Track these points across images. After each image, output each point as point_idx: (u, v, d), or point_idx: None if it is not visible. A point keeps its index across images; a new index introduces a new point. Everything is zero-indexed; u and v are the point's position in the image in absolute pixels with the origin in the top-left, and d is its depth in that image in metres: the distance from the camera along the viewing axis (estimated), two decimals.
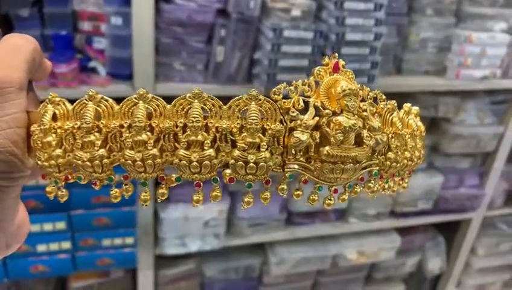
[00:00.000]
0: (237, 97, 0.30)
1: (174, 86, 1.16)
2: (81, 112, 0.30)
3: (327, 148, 0.31)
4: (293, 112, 0.30)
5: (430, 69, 1.43)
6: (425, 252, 1.80)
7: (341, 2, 1.12)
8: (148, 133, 0.29)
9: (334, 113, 0.31)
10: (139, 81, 1.11)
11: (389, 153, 0.35)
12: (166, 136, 0.30)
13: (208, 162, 0.30)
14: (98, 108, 0.30)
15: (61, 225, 1.22)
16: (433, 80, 1.42)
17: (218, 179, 0.31)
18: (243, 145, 0.30)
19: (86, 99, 0.30)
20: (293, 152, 0.31)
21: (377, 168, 0.34)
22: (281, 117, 0.30)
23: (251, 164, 0.30)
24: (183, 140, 0.29)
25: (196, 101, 0.30)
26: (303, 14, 1.14)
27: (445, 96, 1.46)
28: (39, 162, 0.30)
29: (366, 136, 0.32)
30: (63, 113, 0.30)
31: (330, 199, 0.34)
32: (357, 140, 0.32)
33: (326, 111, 0.31)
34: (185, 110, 0.30)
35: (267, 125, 0.30)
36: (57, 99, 0.30)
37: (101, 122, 0.30)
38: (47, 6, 1.10)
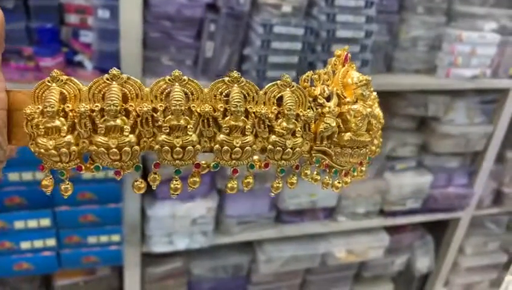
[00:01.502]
0: (271, 84, 0.30)
1: None
2: (102, 93, 0.28)
3: (349, 134, 0.33)
4: (320, 100, 0.32)
5: (421, 68, 1.43)
6: (414, 251, 1.80)
7: None
8: (187, 117, 0.28)
9: (352, 102, 0.33)
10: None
11: (375, 139, 0.37)
12: (206, 121, 0.29)
13: (249, 147, 0.30)
14: (124, 89, 0.28)
15: (45, 222, 1.20)
16: (423, 78, 1.42)
17: (255, 165, 0.31)
18: (281, 130, 0.30)
19: (108, 79, 0.28)
20: (321, 138, 0.32)
21: (370, 153, 0.36)
22: (309, 104, 0.31)
23: (288, 149, 0.30)
24: (225, 125, 0.29)
25: (236, 85, 0.30)
26: (293, 10, 1.12)
27: (435, 95, 1.46)
28: (42, 151, 0.27)
29: (375, 123, 0.34)
30: (73, 94, 0.28)
31: (339, 182, 0.35)
32: (366, 127, 0.34)
33: (347, 100, 0.33)
34: (223, 94, 0.30)
35: (300, 111, 0.31)
36: (64, 77, 0.28)
37: (130, 105, 0.28)
38: None
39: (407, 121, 1.51)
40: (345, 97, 0.33)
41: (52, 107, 0.27)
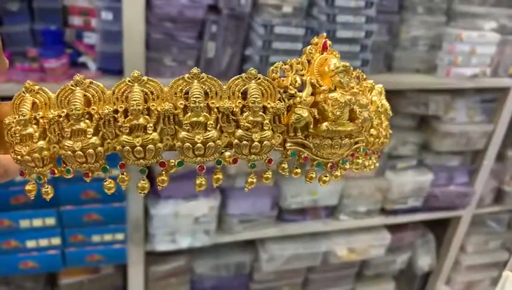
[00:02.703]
0: (236, 77, 0.30)
1: (165, 81, 1.14)
2: (67, 99, 0.28)
3: (326, 123, 0.31)
4: (291, 90, 0.31)
5: (421, 67, 1.44)
6: (415, 250, 1.81)
7: None
8: (147, 116, 0.28)
9: (329, 90, 0.32)
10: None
11: (372, 129, 0.36)
12: (166, 118, 0.29)
13: (212, 143, 0.29)
14: (87, 93, 0.29)
15: (50, 221, 1.21)
16: (423, 78, 1.43)
17: (221, 161, 0.31)
18: (247, 124, 0.29)
19: (72, 85, 0.29)
20: (293, 130, 0.31)
21: (364, 144, 0.35)
22: (280, 95, 0.31)
23: (256, 143, 0.30)
24: (186, 122, 0.29)
25: (196, 81, 0.29)
26: (294, 10, 1.14)
27: (435, 94, 1.47)
28: (19, 158, 0.29)
29: (359, 111, 0.32)
30: (44, 102, 0.29)
31: (326, 176, 0.34)
32: (349, 116, 0.33)
33: (323, 88, 0.31)
34: (183, 91, 0.29)
35: (268, 103, 0.30)
36: (36, 87, 0.29)
37: (92, 109, 0.28)
38: (37, 0, 1.09)
39: (407, 119, 1.52)
40: (321, 86, 0.32)
41: (24, 116, 0.28)
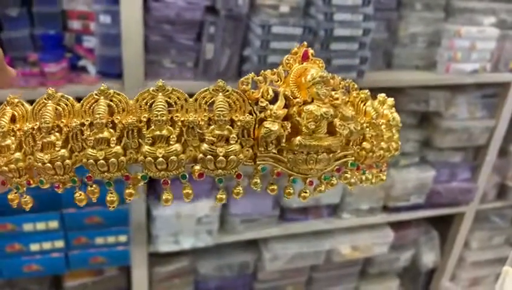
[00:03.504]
0: (203, 89, 0.29)
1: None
2: (41, 112, 0.29)
3: (299, 138, 0.30)
4: (262, 102, 0.29)
5: (420, 64, 1.44)
6: (419, 247, 1.80)
7: None
8: (111, 130, 0.28)
9: (305, 102, 0.30)
10: (129, 79, 1.11)
11: (364, 142, 0.34)
12: (130, 132, 0.29)
13: (175, 157, 0.28)
14: (58, 107, 0.29)
15: (53, 224, 1.22)
16: (423, 74, 1.43)
17: (187, 175, 0.30)
18: (211, 138, 0.28)
19: (45, 98, 0.29)
20: (264, 144, 0.30)
21: (353, 158, 0.33)
22: (250, 108, 0.29)
23: (220, 158, 0.28)
24: (148, 136, 0.28)
25: (160, 94, 0.29)
26: (291, 10, 1.14)
27: (435, 90, 1.47)
28: (209, 158, 0.29)
29: (339, 124, 0.31)
30: (21, 114, 0.29)
31: (305, 192, 0.33)
32: (329, 129, 0.31)
33: (297, 100, 0.30)
34: (148, 104, 0.29)
35: (236, 116, 0.29)
36: (16, 100, 0.30)
37: (61, 122, 0.29)
38: (36, 5, 1.10)
39: (408, 117, 1.52)
40: (296, 98, 0.30)
41: (3, 128, 0.29)
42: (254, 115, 0.29)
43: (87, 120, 0.28)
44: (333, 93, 0.31)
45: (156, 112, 0.28)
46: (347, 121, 0.31)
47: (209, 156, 0.28)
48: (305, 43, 0.33)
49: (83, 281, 1.38)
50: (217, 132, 0.28)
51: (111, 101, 0.29)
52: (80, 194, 0.30)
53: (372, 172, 0.36)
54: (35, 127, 0.29)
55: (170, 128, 0.28)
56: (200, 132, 0.29)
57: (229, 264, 1.53)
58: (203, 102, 0.29)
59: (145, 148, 0.28)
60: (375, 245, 1.65)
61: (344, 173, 0.34)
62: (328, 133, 0.31)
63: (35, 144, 0.29)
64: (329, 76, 0.31)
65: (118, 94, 0.29)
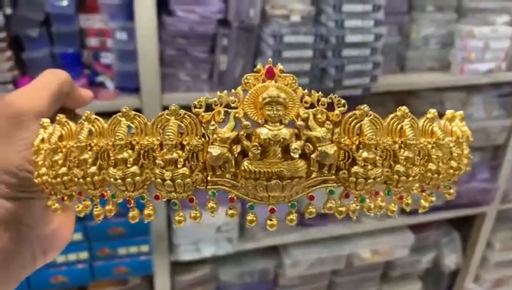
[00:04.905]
0: (160, 113, 0.29)
1: (180, 96, 1.19)
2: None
3: (245, 163, 0.28)
4: (212, 125, 0.29)
5: (434, 66, 1.44)
6: (441, 248, 1.79)
7: (339, 5, 1.14)
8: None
9: (258, 125, 0.29)
10: (146, 93, 1.14)
11: (430, 164, 0.31)
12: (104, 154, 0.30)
13: (131, 179, 0.29)
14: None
15: (78, 236, 1.26)
16: (437, 76, 1.43)
17: (145, 196, 0.30)
18: (161, 162, 0.29)
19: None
20: (211, 168, 0.29)
21: (334, 184, 0.30)
22: (204, 131, 0.29)
23: (168, 182, 0.28)
24: (112, 158, 0.29)
25: (124, 119, 0.29)
26: (302, 19, 1.16)
27: (450, 91, 1.46)
28: (75, 180, 0.30)
29: (295, 148, 0.28)
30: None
31: (271, 219, 0.31)
32: (285, 153, 0.29)
33: (245, 123, 0.29)
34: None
35: (185, 140, 0.29)
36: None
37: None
38: (55, 25, 1.14)
39: None
40: (248, 119, 0.29)
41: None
42: (207, 138, 0.29)
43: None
44: (302, 112, 0.29)
45: (116, 137, 0.30)
46: (319, 144, 0.29)
47: (158, 180, 0.29)
48: (270, 60, 0.30)
49: None
50: (165, 156, 0.29)
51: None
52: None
53: (376, 198, 0.32)
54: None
55: (130, 151, 0.29)
56: (154, 155, 0.29)
57: (250, 271, 1.55)
58: (159, 125, 0.29)
59: (109, 169, 0.30)
60: (395, 248, 1.65)
61: (326, 202, 0.31)
62: (301, 157, 0.29)
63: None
64: (284, 96, 0.29)
65: (98, 119, 0.30)
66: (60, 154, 0.31)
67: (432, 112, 0.33)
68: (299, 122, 0.29)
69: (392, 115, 0.31)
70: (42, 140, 0.32)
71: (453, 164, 0.33)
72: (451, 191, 0.35)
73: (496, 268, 1.88)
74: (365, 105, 0.30)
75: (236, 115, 0.29)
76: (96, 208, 0.31)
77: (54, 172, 0.31)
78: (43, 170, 0.31)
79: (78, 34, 1.17)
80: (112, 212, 0.31)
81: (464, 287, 1.87)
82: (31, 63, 1.15)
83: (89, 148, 0.30)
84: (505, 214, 1.79)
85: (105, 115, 0.31)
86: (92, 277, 1.32)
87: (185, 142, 0.29)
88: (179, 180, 0.29)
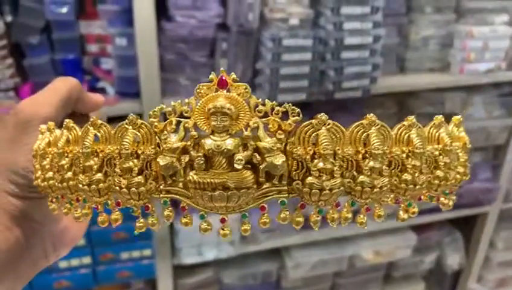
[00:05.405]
0: (120, 123, 0.30)
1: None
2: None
3: (191, 173, 0.29)
4: (164, 135, 0.29)
5: (434, 66, 1.44)
6: (443, 249, 1.79)
7: (338, 7, 1.15)
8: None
9: (205, 135, 0.29)
10: (147, 98, 1.15)
11: (438, 171, 0.30)
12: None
13: (95, 186, 0.30)
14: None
15: (81, 241, 1.26)
16: (437, 76, 1.43)
17: (109, 203, 0.31)
18: (117, 170, 0.29)
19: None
20: (162, 177, 0.29)
21: (286, 195, 0.30)
22: (158, 141, 0.29)
23: (124, 189, 0.29)
24: (81, 165, 0.30)
25: (92, 128, 0.30)
26: (301, 22, 1.16)
27: (450, 92, 1.46)
28: (117, 189, 0.30)
29: (238, 159, 0.28)
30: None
31: (223, 229, 0.30)
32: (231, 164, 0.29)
33: (192, 133, 0.29)
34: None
35: (140, 149, 0.29)
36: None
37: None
38: (55, 32, 1.14)
39: (425, 119, 1.48)
40: (197, 130, 0.29)
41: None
42: (159, 147, 0.29)
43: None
44: (252, 122, 0.29)
45: (83, 145, 0.30)
46: (267, 154, 0.28)
47: (116, 187, 0.29)
48: (222, 68, 0.31)
49: None
50: (122, 165, 0.29)
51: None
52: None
53: (342, 211, 0.31)
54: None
55: (95, 159, 0.30)
56: (115, 163, 0.30)
57: (252, 273, 1.55)
58: (119, 135, 0.30)
59: (80, 176, 0.31)
60: (397, 249, 1.65)
61: (280, 213, 0.30)
62: (251, 167, 0.29)
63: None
64: (229, 106, 0.28)
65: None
66: (66, 159, 0.31)
67: (438, 117, 0.32)
68: (246, 133, 0.28)
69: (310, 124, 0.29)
70: (41, 144, 0.33)
71: (460, 169, 0.32)
72: (450, 203, 0.33)
73: (499, 268, 1.88)
74: (323, 114, 0.29)
75: (186, 125, 0.29)
76: (101, 215, 0.31)
77: (60, 176, 0.31)
78: (40, 173, 0.32)
79: (78, 41, 1.17)
80: (118, 221, 0.31)
81: (467, 288, 1.86)
82: (32, 70, 1.16)
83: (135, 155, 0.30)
84: (507, 214, 1.79)
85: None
86: (95, 282, 1.32)
87: (139, 151, 0.29)
88: (133, 189, 0.29)
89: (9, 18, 1.10)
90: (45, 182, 0.32)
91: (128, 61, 1.15)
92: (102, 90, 1.20)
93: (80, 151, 0.30)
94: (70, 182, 0.31)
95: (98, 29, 1.17)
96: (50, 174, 0.32)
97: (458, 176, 0.32)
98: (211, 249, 1.40)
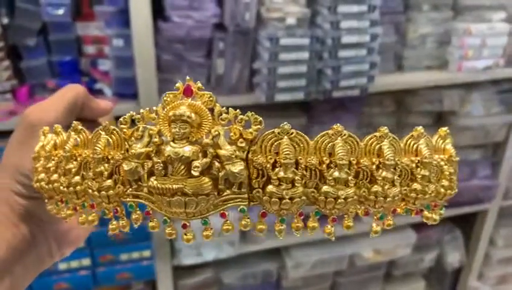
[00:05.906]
0: (96, 129, 0.31)
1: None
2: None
3: (152, 178, 0.29)
4: (131, 141, 0.30)
5: (432, 64, 1.44)
6: (443, 246, 1.79)
7: (334, 6, 1.14)
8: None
9: (167, 142, 0.30)
10: (144, 98, 1.15)
11: (415, 184, 0.30)
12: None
13: (72, 188, 0.31)
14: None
15: None
16: (435, 74, 1.42)
17: (86, 204, 0.32)
18: (91, 173, 0.30)
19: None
20: (128, 181, 0.30)
21: (245, 203, 0.30)
22: (127, 147, 0.30)
23: (95, 193, 0.30)
24: (62, 168, 0.32)
25: (73, 133, 0.32)
26: (298, 21, 1.16)
27: (449, 89, 1.46)
28: (90, 191, 0.31)
29: (195, 166, 0.28)
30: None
31: (186, 234, 0.31)
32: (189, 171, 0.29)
33: (155, 139, 0.29)
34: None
35: (110, 155, 0.30)
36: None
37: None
38: (52, 34, 1.14)
39: (423, 117, 1.51)
40: (161, 136, 0.30)
41: (98, 155, 0.31)
42: (126, 153, 0.30)
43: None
44: (213, 130, 0.29)
45: (66, 148, 0.32)
46: (227, 162, 0.29)
47: (89, 190, 0.30)
48: (188, 77, 0.31)
49: None
50: (95, 168, 0.30)
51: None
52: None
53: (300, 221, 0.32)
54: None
55: (75, 163, 0.32)
56: (90, 167, 0.31)
57: (252, 273, 1.55)
58: (94, 140, 0.31)
59: (74, 179, 0.32)
60: (397, 247, 1.65)
61: (241, 220, 0.31)
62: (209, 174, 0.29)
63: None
64: (189, 114, 0.29)
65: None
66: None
67: (418, 129, 0.31)
68: (205, 140, 0.29)
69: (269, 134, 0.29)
70: (47, 146, 0.33)
71: (445, 183, 0.32)
72: (435, 217, 0.33)
73: (499, 265, 1.88)
74: (286, 123, 0.29)
75: (150, 131, 0.30)
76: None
77: (67, 180, 0.32)
78: (41, 175, 0.33)
79: (75, 42, 1.17)
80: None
81: (468, 285, 1.86)
82: (29, 72, 1.15)
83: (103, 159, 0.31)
84: (507, 211, 1.79)
85: None
86: (95, 283, 1.32)
87: (109, 156, 0.30)
88: (103, 192, 0.30)
89: (5, 20, 1.09)
90: (49, 185, 0.33)
91: (125, 62, 1.14)
92: (99, 92, 1.20)
93: (91, 156, 0.31)
94: (78, 187, 0.31)
95: (94, 31, 1.17)
96: (55, 176, 0.32)
97: (442, 189, 0.32)
98: (210, 250, 1.40)
